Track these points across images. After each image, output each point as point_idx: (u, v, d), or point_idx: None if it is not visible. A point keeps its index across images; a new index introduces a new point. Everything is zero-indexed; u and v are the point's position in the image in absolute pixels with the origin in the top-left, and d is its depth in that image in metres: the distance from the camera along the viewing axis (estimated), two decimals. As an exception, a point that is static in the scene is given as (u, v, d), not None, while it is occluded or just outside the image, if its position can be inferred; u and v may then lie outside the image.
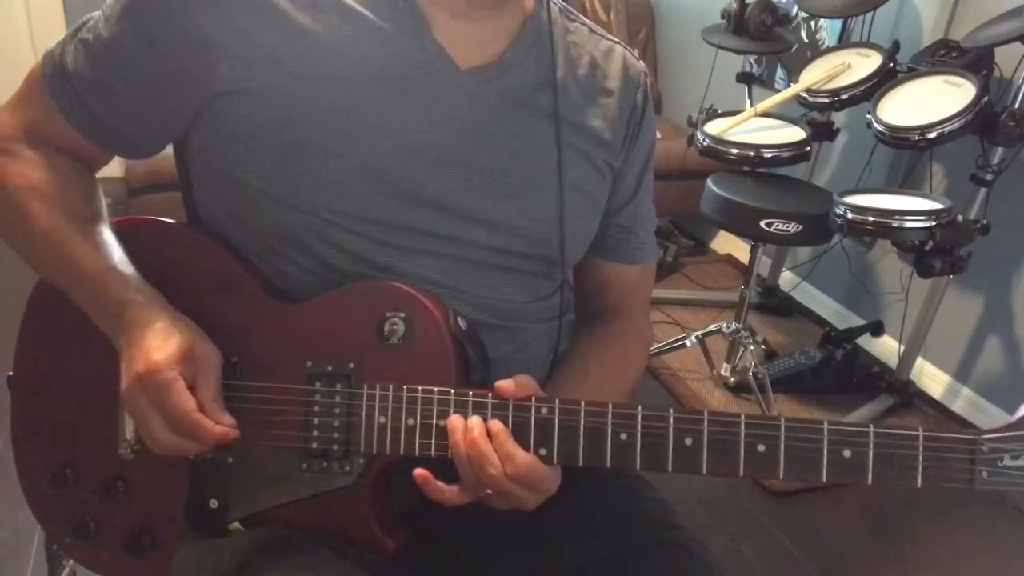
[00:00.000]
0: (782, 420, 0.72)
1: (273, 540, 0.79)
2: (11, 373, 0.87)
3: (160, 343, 0.74)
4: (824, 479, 0.71)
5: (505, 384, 0.75)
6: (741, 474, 0.72)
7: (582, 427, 0.74)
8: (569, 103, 0.87)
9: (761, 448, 0.72)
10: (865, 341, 2.69)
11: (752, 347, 2.38)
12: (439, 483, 0.75)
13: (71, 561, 0.96)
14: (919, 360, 2.48)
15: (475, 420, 0.74)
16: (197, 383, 0.75)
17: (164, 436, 0.74)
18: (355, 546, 0.79)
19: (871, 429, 0.71)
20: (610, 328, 0.97)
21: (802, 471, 0.72)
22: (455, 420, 0.75)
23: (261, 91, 0.76)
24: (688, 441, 0.73)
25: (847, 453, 0.71)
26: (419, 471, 0.75)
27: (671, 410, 0.73)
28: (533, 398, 0.75)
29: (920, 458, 0.70)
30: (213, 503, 0.81)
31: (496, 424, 0.75)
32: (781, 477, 0.72)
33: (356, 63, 0.78)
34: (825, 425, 0.71)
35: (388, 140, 0.78)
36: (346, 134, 0.77)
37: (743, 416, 0.72)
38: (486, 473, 0.73)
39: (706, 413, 0.73)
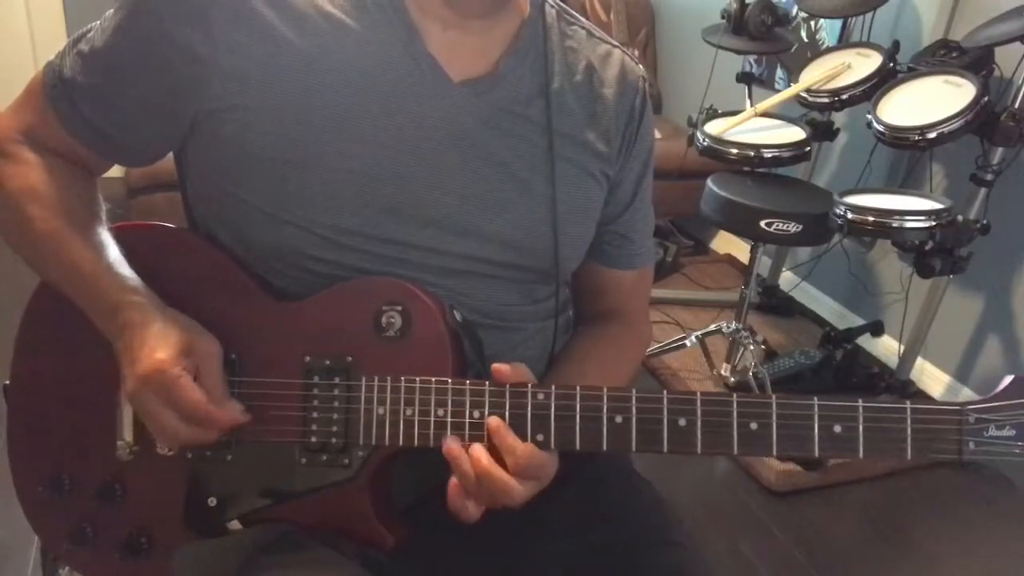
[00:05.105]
0: (773, 398, 0.73)
1: (273, 538, 0.79)
2: (7, 382, 0.87)
3: (160, 342, 0.74)
4: (816, 454, 0.73)
5: (502, 367, 0.76)
6: (735, 452, 0.74)
7: (578, 411, 0.75)
8: (564, 113, 0.86)
9: (753, 426, 0.73)
10: (865, 341, 2.70)
11: (752, 347, 2.38)
12: (467, 502, 0.75)
13: (67, 569, 0.96)
14: (919, 360, 2.48)
15: (477, 450, 0.74)
16: (200, 375, 0.76)
17: (179, 430, 0.75)
18: (355, 541, 0.79)
19: (860, 404, 0.72)
20: (608, 329, 0.98)
21: (794, 447, 0.73)
22: (454, 449, 0.75)
23: (254, 107, 0.76)
24: (682, 422, 0.74)
25: (838, 428, 0.72)
26: (455, 482, 0.75)
27: (664, 392, 0.74)
28: (529, 384, 0.76)
29: (909, 431, 0.72)
30: (212, 501, 0.81)
31: (493, 420, 0.75)
32: (774, 454, 0.74)
33: (347, 77, 0.77)
34: (815, 401, 0.73)
35: (380, 154, 0.79)
36: (338, 149, 0.78)
37: (735, 395, 0.74)
38: (507, 496, 0.74)
39: (699, 393, 0.74)
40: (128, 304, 0.77)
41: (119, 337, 0.76)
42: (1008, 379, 0.72)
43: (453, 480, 0.75)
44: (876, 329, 2.69)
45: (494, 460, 0.74)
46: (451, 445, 0.75)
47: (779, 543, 1.91)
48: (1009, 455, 0.71)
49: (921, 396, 2.49)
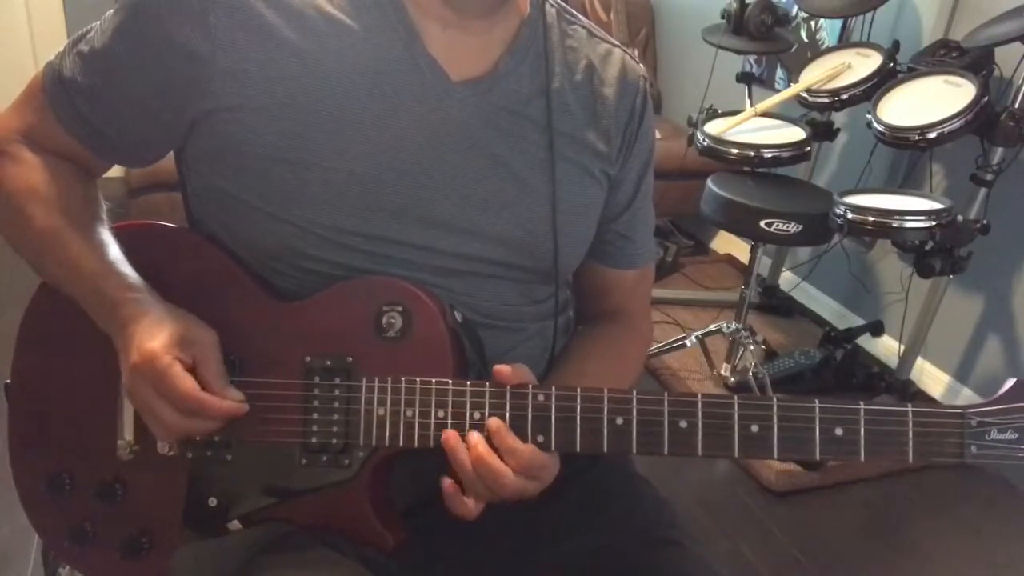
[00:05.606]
0: (774, 400, 0.73)
1: (273, 538, 0.79)
2: (8, 381, 0.88)
3: (152, 332, 0.74)
4: (817, 457, 0.73)
5: (503, 368, 0.76)
6: (736, 454, 0.74)
7: (579, 413, 0.75)
8: (564, 113, 0.86)
9: (755, 428, 0.73)
10: (865, 341, 2.70)
11: (752, 347, 2.38)
12: (464, 498, 0.76)
13: (67, 568, 0.96)
14: (919, 360, 2.48)
15: (475, 436, 0.75)
16: (197, 364, 0.76)
17: (173, 420, 0.74)
18: (355, 542, 0.79)
19: (861, 407, 0.72)
20: (609, 327, 0.98)
21: (795, 450, 0.73)
22: (452, 439, 0.75)
23: (253, 107, 0.76)
24: (683, 424, 0.74)
25: (839, 431, 0.72)
26: (448, 482, 0.75)
27: (666, 394, 0.74)
28: (530, 386, 0.76)
29: (910, 434, 0.72)
30: (212, 502, 0.81)
31: (493, 421, 0.75)
32: (775, 456, 0.74)
33: (347, 78, 0.77)
34: (817, 404, 0.73)
35: (380, 155, 0.79)
36: (338, 149, 0.78)
37: (736, 397, 0.74)
38: (500, 485, 0.74)
39: (700, 395, 0.74)
40: (127, 301, 0.77)
41: (118, 334, 0.77)
42: (1010, 382, 0.72)
43: (447, 480, 0.75)
44: (876, 329, 2.69)
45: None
46: (449, 435, 0.75)
47: (779, 543, 1.91)
48: (1012, 458, 0.71)
49: (921, 396, 2.49)
